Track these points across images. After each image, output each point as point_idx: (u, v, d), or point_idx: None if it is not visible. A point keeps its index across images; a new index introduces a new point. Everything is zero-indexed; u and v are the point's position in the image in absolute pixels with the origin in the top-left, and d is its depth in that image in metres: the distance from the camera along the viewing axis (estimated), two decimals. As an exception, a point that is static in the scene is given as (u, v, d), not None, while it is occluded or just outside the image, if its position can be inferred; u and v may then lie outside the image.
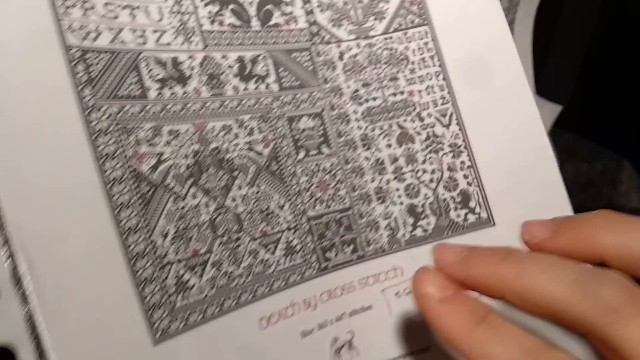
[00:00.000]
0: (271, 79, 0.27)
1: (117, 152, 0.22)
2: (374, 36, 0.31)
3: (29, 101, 0.20)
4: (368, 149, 0.30)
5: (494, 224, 0.31)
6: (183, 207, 0.23)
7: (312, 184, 0.28)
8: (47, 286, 0.18)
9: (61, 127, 0.20)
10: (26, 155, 0.19)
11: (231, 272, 0.24)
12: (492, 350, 0.18)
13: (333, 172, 0.29)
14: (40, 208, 0.19)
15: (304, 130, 0.28)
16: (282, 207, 0.27)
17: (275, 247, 0.26)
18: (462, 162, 0.32)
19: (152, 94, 0.24)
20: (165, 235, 0.22)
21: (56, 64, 0.21)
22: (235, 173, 0.26)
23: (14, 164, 0.19)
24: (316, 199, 0.28)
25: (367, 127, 0.30)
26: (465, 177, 0.31)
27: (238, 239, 0.25)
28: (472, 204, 0.31)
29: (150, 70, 0.24)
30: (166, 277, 0.22)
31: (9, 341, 0.17)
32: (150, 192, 0.22)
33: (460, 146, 0.32)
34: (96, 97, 0.22)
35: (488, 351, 0.18)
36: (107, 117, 0.22)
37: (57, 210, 0.19)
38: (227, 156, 0.25)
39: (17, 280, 0.17)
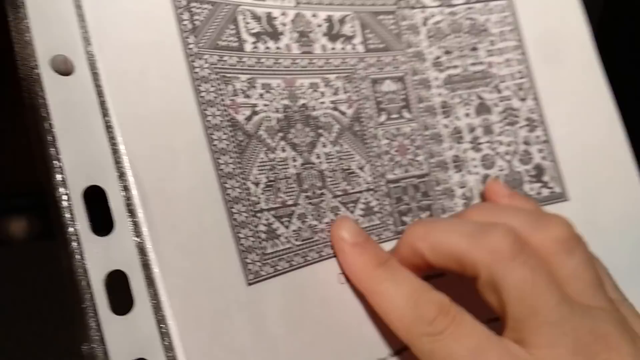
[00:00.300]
0: (357, 40, 0.28)
1: (217, 100, 0.22)
2: (456, 5, 0.31)
3: (142, 43, 0.21)
4: (447, 116, 0.30)
5: (568, 199, 0.31)
6: (273, 159, 0.24)
7: (392, 148, 0.28)
8: (156, 219, 0.19)
9: (169, 70, 0.21)
10: (139, 94, 0.20)
11: (314, 226, 0.25)
12: (386, 288, 0.21)
13: (412, 137, 0.29)
14: (152, 145, 0.20)
15: (386, 93, 0.28)
16: (362, 168, 0.27)
17: (355, 206, 0.26)
18: (537, 137, 0.31)
19: (248, 46, 0.24)
20: (257, 184, 0.23)
21: (165, 10, 0.22)
22: (320, 131, 0.26)
23: (129, 101, 0.19)
24: (395, 163, 0.28)
25: (447, 94, 0.30)
26: (540, 151, 0.31)
27: (321, 194, 0.25)
28: (546, 178, 0.31)
29: (247, 23, 0.24)
30: (258, 224, 0.22)
31: (123, 267, 0.18)
32: (245, 142, 0.23)
33: (535, 121, 0.32)
34: (199, 46, 0.23)
35: (383, 288, 0.22)
36: (208, 66, 0.23)
37: (166, 149, 0.20)
38: (314, 113, 0.26)
39: (130, 211, 0.18)
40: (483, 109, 0.31)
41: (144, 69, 0.20)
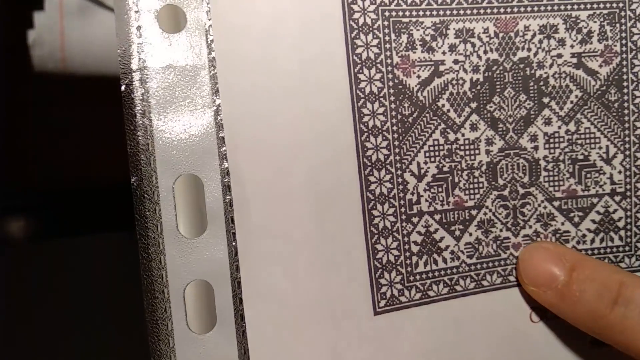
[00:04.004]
0: (644, -49, 0.18)
1: (380, 58, 0.17)
2: None
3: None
4: None
5: None
6: (455, 141, 0.18)
7: (672, 133, 0.18)
8: (253, 218, 0.16)
9: (313, 14, 0.17)
10: (264, 44, 0.16)
11: (504, 239, 0.18)
12: (634, 329, 0.16)
13: None
14: (254, 115, 0.16)
15: (681, 42, 0.18)
16: (609, 160, 0.19)
17: (585, 215, 0.19)
18: None
19: (445, -27, 0.18)
20: (422, 176, 0.18)
21: None
22: (546, 100, 0.18)
23: (246, 50, 0.16)
24: (672, 157, 0.19)
25: None
26: None
27: (526, 195, 0.18)
28: None
29: (448, -63, 0.18)
30: (411, 231, 0.18)
31: (208, 278, 0.16)
32: (413, 116, 0.18)
33: None
34: (365, -21, 0.17)
35: (629, 328, 0.16)
36: (375, 8, 0.17)
37: (300, 126, 0.16)
38: (540, 73, 0.18)
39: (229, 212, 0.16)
40: None
41: (278, 17, 0.16)
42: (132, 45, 0.15)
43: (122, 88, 0.15)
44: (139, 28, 0.15)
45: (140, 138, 0.15)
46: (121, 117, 0.16)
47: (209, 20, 0.16)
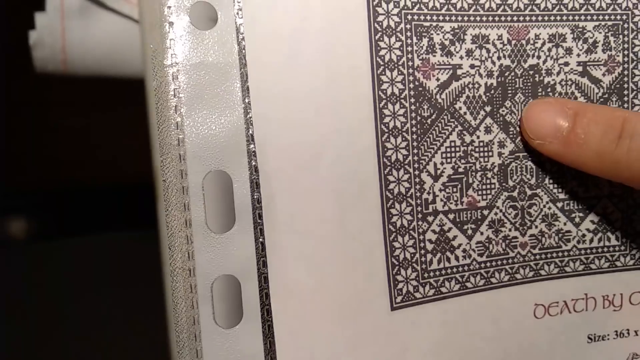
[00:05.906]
0: (648, -32, 0.19)
1: (402, 60, 0.18)
2: None
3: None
4: None
5: None
6: (469, 143, 0.19)
7: (667, 140, 0.20)
8: (281, 218, 0.16)
9: (339, 17, 0.17)
10: (293, 49, 0.17)
11: (512, 238, 0.19)
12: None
13: None
14: (289, 118, 0.17)
15: (679, 55, 0.19)
16: (609, 165, 0.20)
17: (584, 216, 0.20)
18: None
19: (463, -19, 0.18)
20: (437, 177, 0.18)
21: None
22: (553, 105, 0.19)
23: (277, 50, 0.16)
24: (667, 163, 0.20)
25: None
26: None
27: (533, 196, 0.19)
28: None
29: (468, -54, 0.18)
30: (426, 230, 0.18)
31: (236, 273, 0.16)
32: (431, 117, 0.18)
33: None
34: (389, -17, 0.18)
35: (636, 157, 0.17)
36: (398, 12, 0.18)
37: (324, 125, 0.17)
38: (548, 80, 0.19)
39: (257, 207, 0.16)
40: None
41: (305, 17, 0.17)
42: (164, 40, 0.16)
43: (154, 83, 0.15)
44: (171, 24, 0.16)
45: (172, 133, 0.15)
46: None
47: (240, 18, 0.16)
